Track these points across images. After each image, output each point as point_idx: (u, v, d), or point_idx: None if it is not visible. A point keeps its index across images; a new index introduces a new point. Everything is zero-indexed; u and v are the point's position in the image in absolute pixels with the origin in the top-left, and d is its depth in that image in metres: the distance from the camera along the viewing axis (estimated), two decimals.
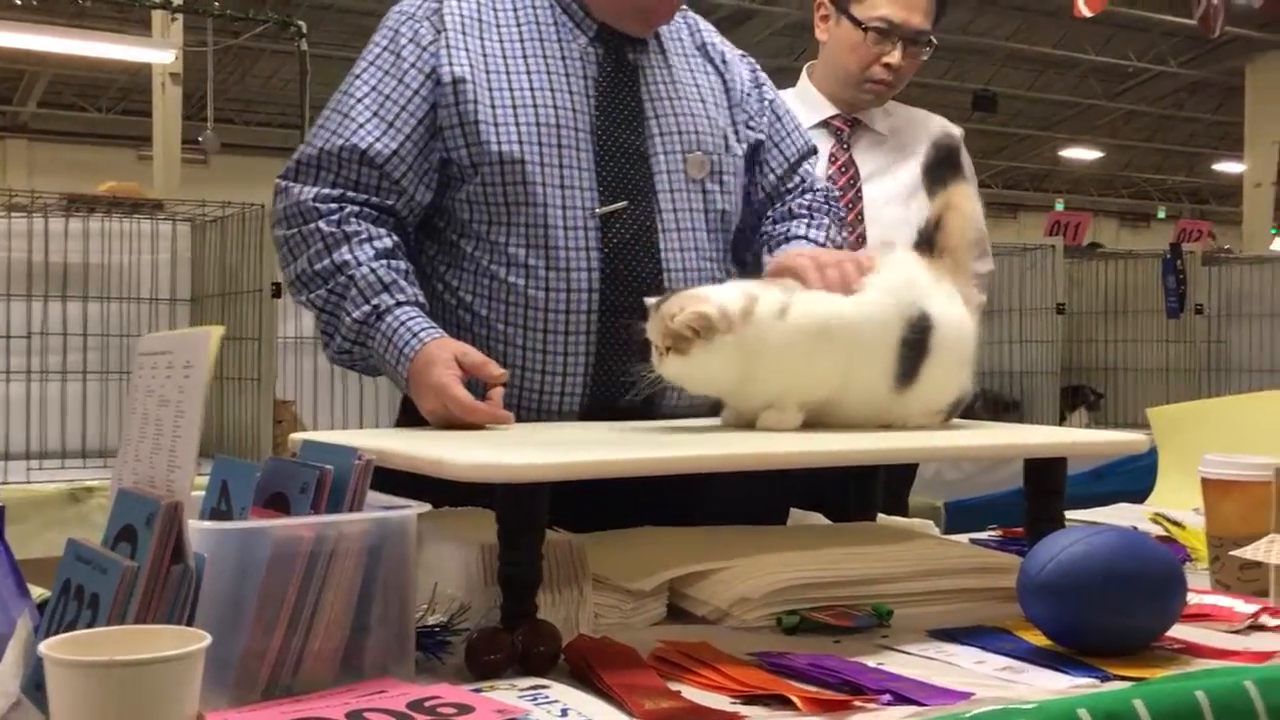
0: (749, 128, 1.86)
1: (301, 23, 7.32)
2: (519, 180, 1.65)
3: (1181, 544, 1.69)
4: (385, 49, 1.70)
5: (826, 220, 1.86)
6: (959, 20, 13.20)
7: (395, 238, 1.67)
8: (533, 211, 1.66)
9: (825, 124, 2.60)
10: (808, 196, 1.88)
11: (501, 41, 1.70)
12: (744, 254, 1.88)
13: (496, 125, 1.65)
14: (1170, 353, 4.67)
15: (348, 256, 1.62)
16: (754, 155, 1.86)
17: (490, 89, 1.66)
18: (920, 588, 1.36)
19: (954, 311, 1.54)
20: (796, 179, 1.89)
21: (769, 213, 1.87)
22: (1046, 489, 1.47)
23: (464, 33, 1.69)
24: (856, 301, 1.49)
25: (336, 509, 1.06)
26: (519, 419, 1.65)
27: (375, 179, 1.66)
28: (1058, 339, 4.39)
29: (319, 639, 1.02)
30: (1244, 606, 1.34)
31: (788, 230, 1.83)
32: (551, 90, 1.68)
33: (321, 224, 1.64)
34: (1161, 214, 20.90)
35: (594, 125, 1.69)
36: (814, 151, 1.94)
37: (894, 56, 2.50)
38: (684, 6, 1.84)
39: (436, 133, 1.67)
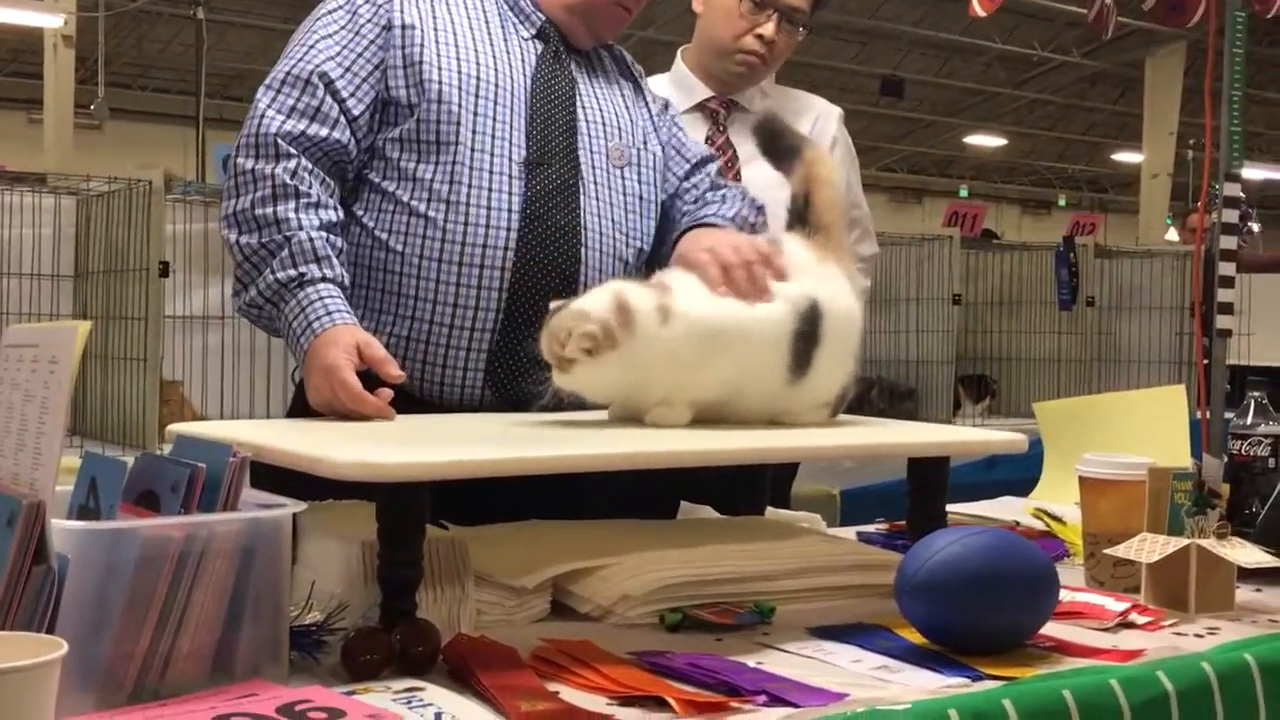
0: (659, 133, 1.92)
1: None
2: (453, 120, 1.69)
3: (1060, 539, 1.73)
4: (340, 7, 1.74)
5: (740, 203, 1.88)
6: (868, 5, 13.32)
7: (340, 213, 1.68)
8: (462, 150, 1.69)
9: (701, 106, 2.57)
10: (721, 191, 1.91)
11: (451, 15, 1.77)
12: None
13: (439, 68, 1.71)
14: (1062, 344, 4.78)
15: (291, 215, 1.62)
16: (666, 152, 1.91)
17: (437, 39, 1.73)
18: (803, 585, 1.38)
19: (842, 297, 1.55)
20: (701, 175, 1.92)
21: (678, 203, 1.90)
22: (929, 487, 1.49)
23: (431, 12, 1.75)
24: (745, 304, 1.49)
25: (210, 507, 1.04)
26: (429, 357, 1.68)
27: (335, 111, 1.68)
28: (953, 329, 4.46)
29: (188, 640, 1.00)
30: (1115, 604, 1.37)
31: (699, 209, 1.86)
32: (493, 54, 1.76)
33: (279, 169, 1.64)
34: (1062, 202, 21.34)
35: (528, 95, 1.76)
36: (713, 159, 1.98)
37: (767, 29, 2.46)
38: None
39: (383, 76, 1.71)
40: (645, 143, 1.87)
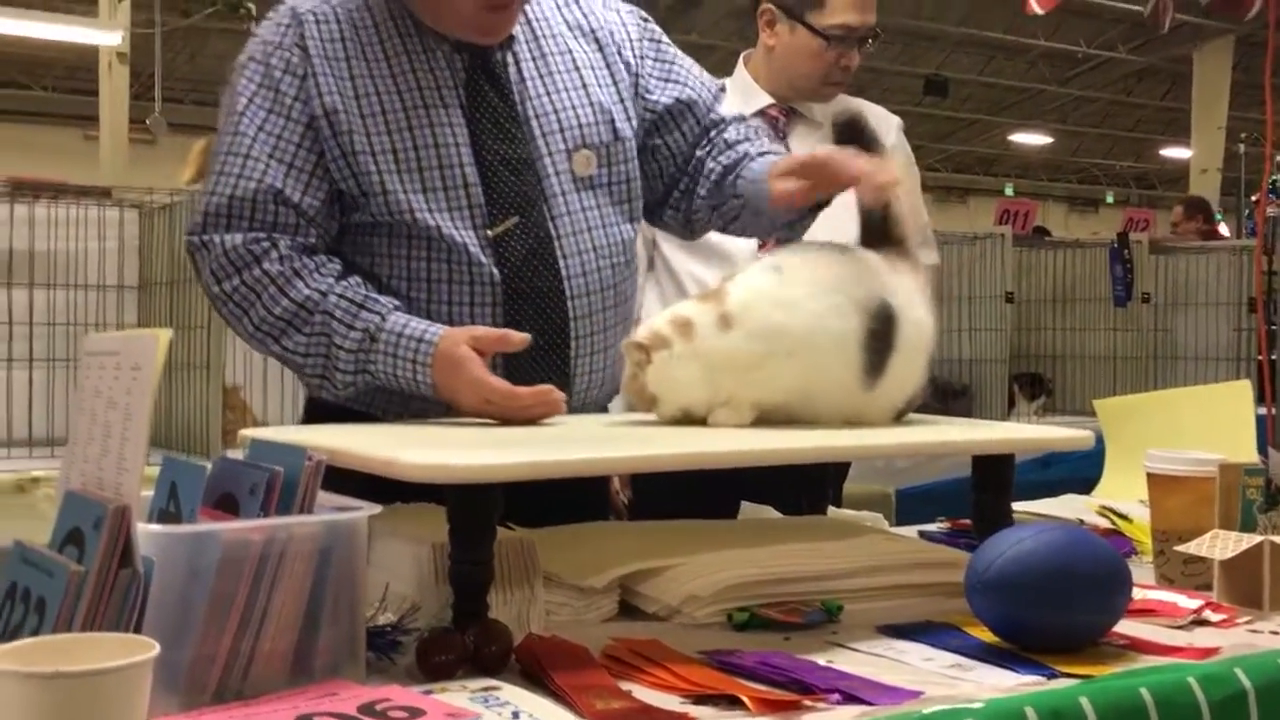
0: (650, 94, 1.80)
1: (251, 4, 7.24)
2: (406, 209, 1.60)
3: (1127, 537, 1.72)
4: (261, 85, 1.62)
5: (764, 140, 1.82)
6: (910, 5, 13.24)
7: (337, 261, 1.62)
8: (425, 239, 1.62)
9: (761, 113, 2.59)
10: (735, 128, 1.83)
11: (367, 61, 1.64)
12: (667, 212, 1.86)
13: (374, 155, 1.60)
14: (1117, 341, 4.73)
15: (308, 291, 1.57)
16: (674, 114, 1.81)
17: (364, 116, 1.61)
18: (869, 583, 1.38)
19: (916, 306, 1.54)
20: (713, 116, 1.84)
21: (699, 152, 1.82)
22: (994, 485, 1.48)
23: (328, 58, 1.62)
24: (808, 304, 1.48)
25: (287, 510, 1.05)
26: (437, 415, 1.62)
27: (294, 219, 1.60)
28: (1006, 327, 4.43)
29: (269, 642, 1.02)
30: (1187, 601, 1.36)
31: (745, 152, 1.77)
32: (425, 107, 1.63)
33: (265, 266, 1.57)
34: (1110, 199, 21.11)
35: (472, 139, 1.64)
36: (722, 89, 1.89)
37: (853, 59, 2.52)
38: None
39: (327, 169, 1.62)
40: (615, 130, 1.74)
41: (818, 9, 2.50)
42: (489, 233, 1.63)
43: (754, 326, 1.46)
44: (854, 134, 1.63)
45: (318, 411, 1.71)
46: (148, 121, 7.63)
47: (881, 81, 14.94)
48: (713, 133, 1.83)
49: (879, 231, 1.59)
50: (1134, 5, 10.75)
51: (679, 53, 1.86)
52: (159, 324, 3.19)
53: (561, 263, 1.67)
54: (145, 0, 7.35)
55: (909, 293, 1.54)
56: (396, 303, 1.59)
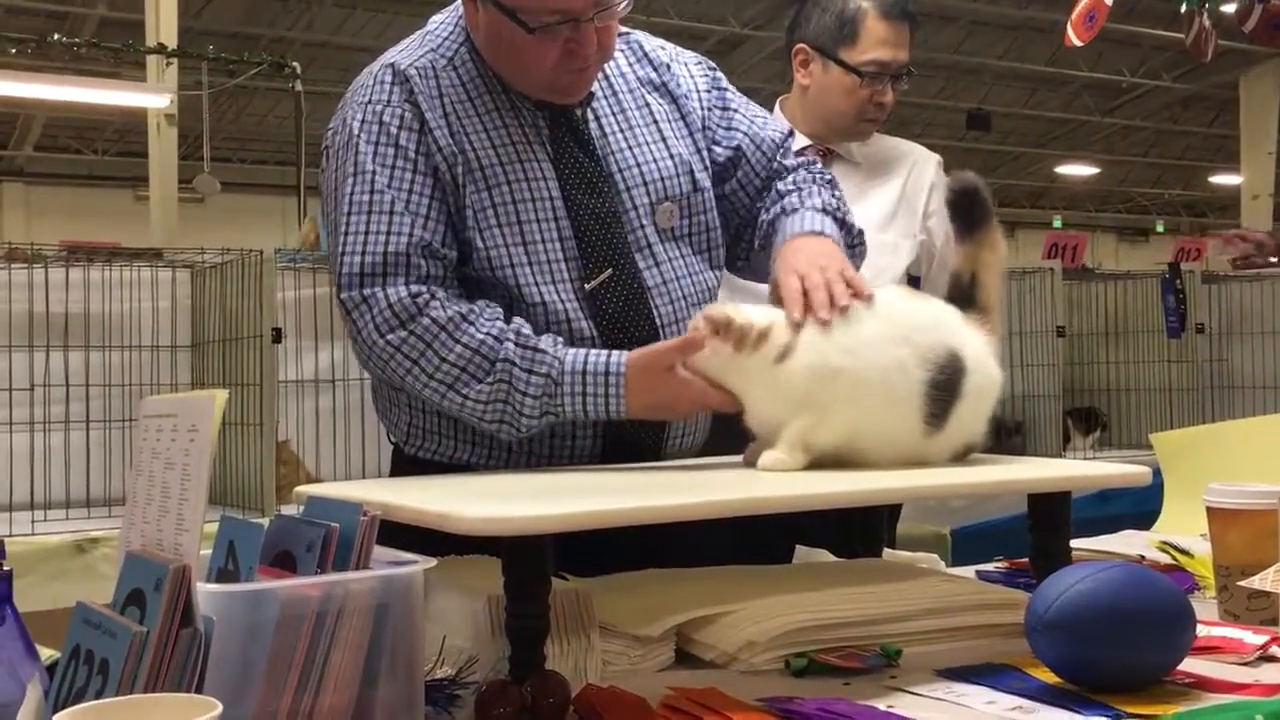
0: (718, 145, 1.82)
1: (295, 64, 7.36)
2: (504, 264, 1.63)
3: (1189, 573, 1.69)
4: (385, 143, 1.63)
5: (814, 188, 1.82)
6: (951, 40, 13.26)
7: (496, 305, 1.63)
8: (528, 293, 1.64)
9: (798, 155, 2.60)
10: (789, 177, 1.84)
11: (461, 117, 1.66)
12: (738, 262, 1.87)
13: (475, 210, 1.63)
14: (1172, 373, 4.67)
15: (481, 335, 1.57)
16: (733, 165, 1.82)
17: (468, 171, 1.63)
18: (928, 626, 1.36)
19: (987, 359, 1.54)
20: (776, 166, 1.85)
21: (758, 204, 1.83)
22: (1051, 523, 1.46)
23: (436, 112, 1.64)
24: (867, 353, 1.48)
25: (343, 566, 1.06)
26: (535, 462, 1.65)
27: (442, 270, 1.62)
28: (1059, 362, 4.39)
29: (329, 697, 1.02)
30: (1253, 637, 1.34)
31: (783, 208, 1.78)
32: (520, 163, 1.66)
33: (433, 314, 1.57)
34: (1160, 228, 20.93)
35: (564, 193, 1.67)
36: (790, 134, 1.90)
37: (887, 95, 2.53)
38: (624, 31, 1.79)
39: (450, 216, 1.64)
40: (694, 181, 1.76)
41: (850, 45, 2.51)
42: (586, 286, 1.64)
43: (810, 362, 1.47)
44: (970, 203, 1.63)
45: (406, 465, 1.73)
46: (195, 182, 7.74)
47: (923, 116, 14.94)
48: (775, 181, 1.84)
49: (965, 296, 1.60)
50: (1177, 34, 10.71)
51: (743, 100, 1.88)
52: (212, 382, 3.23)
53: (656, 312, 1.69)
54: (192, 63, 7.47)
55: (979, 344, 1.54)
56: (558, 338, 1.61)
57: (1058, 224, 18.62)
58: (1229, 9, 5.10)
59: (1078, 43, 4.46)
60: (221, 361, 3.21)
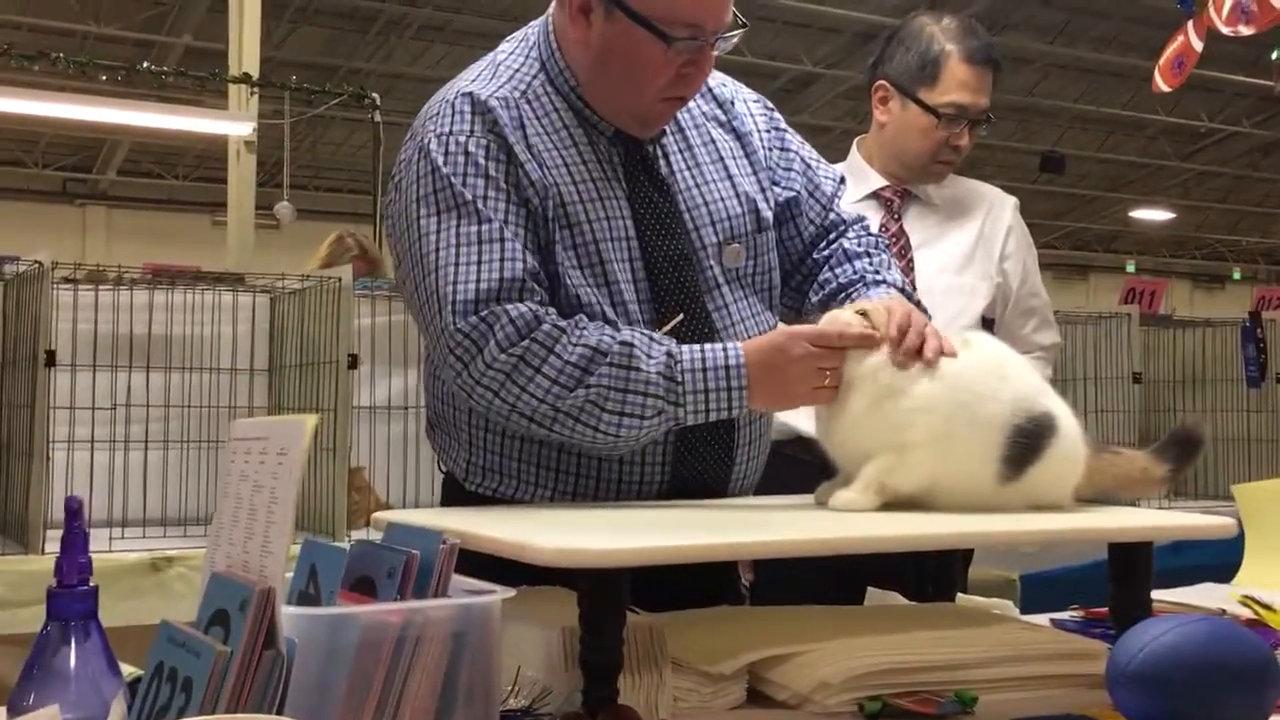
0: (778, 185, 1.81)
1: (375, 94, 7.47)
2: (593, 302, 1.62)
3: (1272, 628, 1.66)
4: (476, 174, 1.60)
5: (885, 257, 1.81)
6: (1026, 82, 13.18)
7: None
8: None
9: (875, 195, 2.61)
10: (855, 237, 1.82)
11: (543, 151, 1.64)
12: (785, 304, 1.86)
13: (564, 250, 1.61)
14: (1251, 423, 4.58)
15: (593, 340, 1.55)
16: (790, 208, 1.81)
17: (557, 207, 1.62)
18: (1004, 674, 1.35)
19: (1075, 428, 1.54)
20: (833, 217, 1.84)
21: (817, 255, 1.83)
22: (1133, 573, 1.44)
23: (520, 144, 1.62)
24: (944, 405, 1.49)
25: (422, 593, 1.07)
26: (599, 499, 1.65)
27: (549, 298, 1.60)
28: (1134, 409, 4.32)
29: None
30: None
31: (859, 272, 1.77)
32: (600, 200, 1.65)
33: (545, 326, 1.54)
34: (1236, 275, 20.59)
35: (639, 233, 1.66)
36: (842, 182, 1.89)
37: (963, 139, 2.53)
38: None
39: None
40: (759, 220, 1.75)
41: (931, 86, 2.51)
42: (659, 334, 1.61)
43: (899, 386, 1.49)
44: (1189, 451, 1.63)
45: (459, 499, 1.74)
46: (275, 209, 7.87)
47: (995, 158, 14.84)
48: (832, 234, 1.83)
49: None
50: (1258, 80, 10.56)
51: (800, 143, 1.87)
52: (289, 406, 3.27)
53: None
54: (272, 92, 7.60)
55: (1071, 417, 1.54)
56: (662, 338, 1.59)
57: (1131, 269, 18.39)
58: None
59: (1166, 88, 4.42)
60: (298, 386, 3.24)
